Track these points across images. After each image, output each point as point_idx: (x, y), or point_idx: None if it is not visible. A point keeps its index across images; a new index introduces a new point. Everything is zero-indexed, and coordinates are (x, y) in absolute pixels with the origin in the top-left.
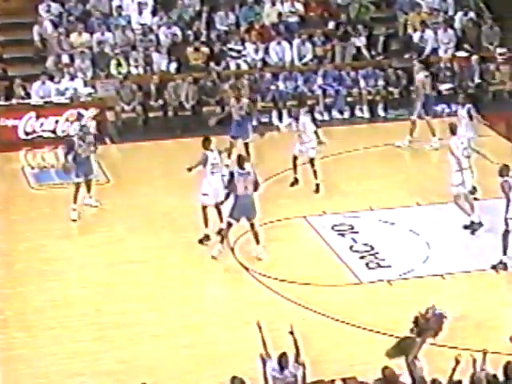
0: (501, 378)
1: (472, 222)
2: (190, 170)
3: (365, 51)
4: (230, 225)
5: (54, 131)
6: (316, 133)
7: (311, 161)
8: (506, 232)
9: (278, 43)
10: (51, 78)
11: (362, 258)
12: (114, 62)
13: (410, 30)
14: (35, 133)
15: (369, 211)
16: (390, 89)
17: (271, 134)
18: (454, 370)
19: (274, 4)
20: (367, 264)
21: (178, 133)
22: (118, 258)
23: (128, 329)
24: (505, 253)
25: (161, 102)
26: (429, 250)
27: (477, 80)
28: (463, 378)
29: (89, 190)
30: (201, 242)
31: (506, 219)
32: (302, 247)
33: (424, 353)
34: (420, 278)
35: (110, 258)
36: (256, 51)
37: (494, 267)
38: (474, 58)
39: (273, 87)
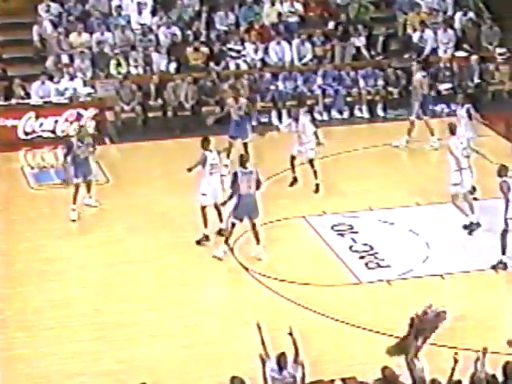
0: (500, 378)
1: (471, 223)
2: (189, 170)
3: (364, 51)
4: (233, 225)
5: (53, 131)
6: (315, 134)
7: (311, 161)
8: (505, 232)
9: (278, 43)
10: (51, 78)
11: (361, 257)
12: (113, 62)
13: (409, 30)
14: (35, 133)
15: (368, 211)
16: (390, 89)
17: (271, 134)
18: (453, 369)
19: (273, 4)
20: (367, 264)
21: (178, 133)
22: (118, 258)
23: (127, 329)
24: (504, 252)
25: (160, 101)
26: (428, 249)
27: (476, 80)
28: (463, 377)
29: (88, 190)
30: (198, 242)
31: (505, 219)
32: (302, 247)
33: (424, 353)
34: (419, 277)
35: (109, 258)
36: (255, 51)
37: (493, 267)
38: (474, 57)
39: (272, 87)
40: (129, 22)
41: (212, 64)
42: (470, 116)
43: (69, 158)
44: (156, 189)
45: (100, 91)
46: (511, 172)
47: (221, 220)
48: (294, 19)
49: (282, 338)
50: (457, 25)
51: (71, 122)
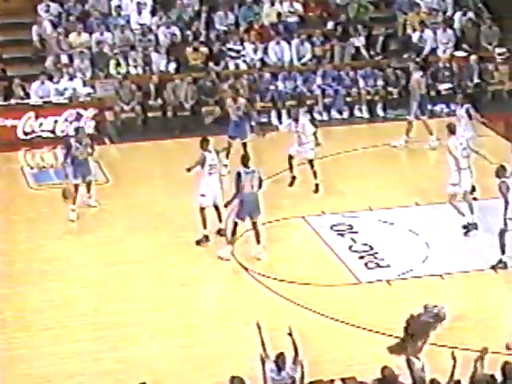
0: (499, 378)
1: (469, 223)
2: (188, 170)
3: (364, 51)
4: (236, 224)
5: (53, 131)
6: (315, 134)
7: (310, 162)
8: (502, 231)
9: (277, 43)
10: (50, 78)
11: (361, 257)
12: (113, 62)
13: (409, 30)
14: (34, 133)
15: (368, 211)
16: (389, 89)
17: (270, 135)
18: (453, 367)
19: (273, 4)
20: (366, 264)
21: (177, 133)
22: (117, 258)
23: (127, 329)
24: (503, 252)
25: (160, 101)
26: (428, 249)
27: (476, 80)
28: (462, 378)
29: (88, 190)
30: (198, 243)
31: (505, 219)
32: (301, 247)
33: (425, 353)
34: (419, 277)
35: (109, 258)
36: (255, 51)
37: (493, 267)
38: (473, 57)
39: (272, 87)
40: (128, 21)
41: (211, 64)
42: (469, 116)
43: (68, 160)
44: (156, 189)
45: (99, 91)
46: (509, 172)
47: (220, 220)
48: (293, 19)
49: (282, 338)
50: (456, 25)
51: (71, 122)
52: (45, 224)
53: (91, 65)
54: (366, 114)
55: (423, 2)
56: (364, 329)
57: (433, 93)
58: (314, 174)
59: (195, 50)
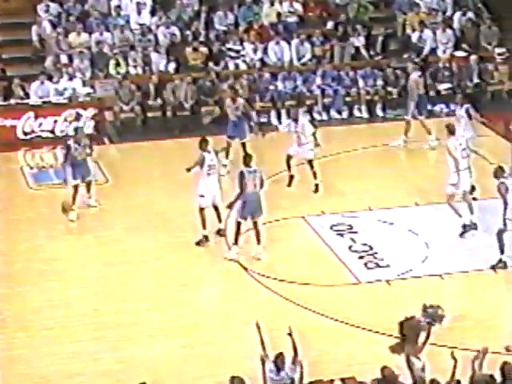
0: (498, 378)
1: (465, 224)
2: (188, 170)
3: (363, 51)
4: (239, 224)
5: (52, 131)
6: (314, 135)
7: (310, 162)
8: (500, 231)
9: (277, 43)
10: (50, 78)
11: (360, 257)
12: (112, 62)
13: (408, 30)
14: (34, 133)
15: (367, 211)
16: (389, 89)
17: (270, 135)
18: (454, 367)
19: (272, 4)
20: (366, 264)
21: (177, 133)
22: (117, 258)
23: (127, 329)
24: (502, 252)
25: (160, 101)
26: (427, 249)
27: (475, 80)
28: (462, 378)
29: (88, 190)
30: (198, 243)
31: (504, 220)
32: (301, 247)
33: (425, 353)
34: (418, 277)
35: (108, 258)
36: (255, 51)
37: (493, 267)
38: (473, 57)
39: (271, 87)
40: (128, 21)
41: (211, 64)
42: (469, 116)
43: (67, 161)
44: (155, 189)
45: (99, 91)
46: (507, 173)
47: (220, 220)
48: (293, 19)
49: (282, 338)
50: (456, 25)
51: (70, 122)
52: (44, 224)
53: (91, 65)
54: (365, 114)
55: (423, 2)
56: (364, 329)
57: (432, 93)
58: (314, 174)
59: (195, 49)
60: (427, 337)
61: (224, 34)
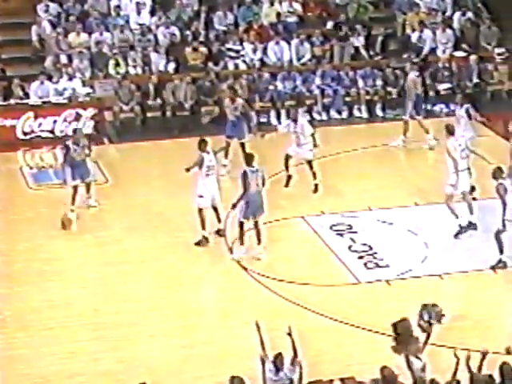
0: (497, 378)
1: (461, 225)
2: (187, 170)
3: (363, 51)
4: (242, 224)
5: (52, 131)
6: (313, 135)
7: (309, 163)
8: (499, 232)
9: (277, 43)
10: (49, 78)
11: (360, 257)
12: (112, 62)
13: (408, 30)
14: (33, 133)
15: (367, 211)
16: (389, 89)
17: (269, 135)
18: (457, 364)
19: (272, 4)
20: (365, 264)
21: (176, 133)
22: (117, 258)
23: (127, 329)
24: (501, 252)
25: (159, 100)
26: (427, 249)
27: (475, 80)
28: (461, 378)
29: (88, 190)
30: (198, 244)
31: (503, 220)
32: (301, 247)
33: (426, 353)
34: (418, 277)
35: (108, 258)
36: (254, 51)
37: (493, 267)
38: (473, 57)
39: (271, 87)
40: (127, 21)
41: (211, 64)
42: (469, 116)
43: (66, 162)
44: (155, 189)
45: (99, 91)
46: (506, 174)
47: (219, 221)
48: (292, 19)
49: (281, 338)
50: (455, 25)
51: (70, 122)
52: (44, 224)
53: (90, 65)
54: (365, 114)
55: (422, 2)
56: (363, 329)
57: (432, 93)
58: (313, 174)
59: (194, 50)
60: (428, 337)
61: (224, 34)
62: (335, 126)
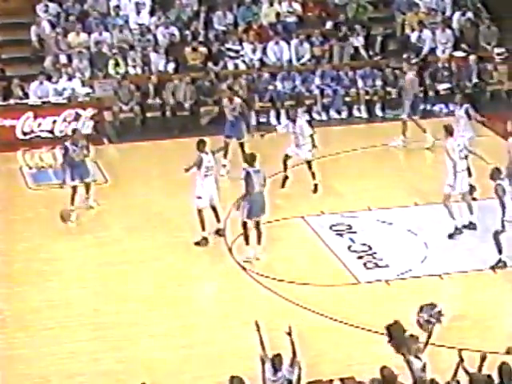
0: (496, 379)
1: (457, 226)
2: (186, 170)
3: (363, 51)
4: (245, 224)
5: (51, 131)
6: (312, 136)
7: (308, 163)
8: (497, 233)
9: (276, 43)
10: (49, 78)
11: (359, 257)
12: (111, 62)
13: (407, 30)
14: (33, 133)
15: (367, 211)
16: (388, 89)
17: (268, 135)
18: (458, 365)
19: (271, 4)
20: (365, 264)
21: (176, 133)
22: (116, 258)
23: (126, 329)
24: (500, 252)
25: (158, 100)
26: (427, 249)
27: (474, 80)
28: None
29: (87, 191)
30: (197, 244)
31: (502, 221)
32: (300, 247)
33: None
34: (418, 277)
35: (107, 258)
36: (254, 51)
37: (492, 267)
38: (472, 57)
39: (271, 87)
40: (127, 21)
41: (210, 64)
42: (469, 116)
43: (65, 162)
44: (154, 189)
45: (98, 91)
46: (504, 174)
47: (218, 221)
48: (292, 19)
49: (281, 338)
50: (455, 25)
51: (69, 122)
52: (43, 224)
53: (90, 65)
54: (364, 114)
55: (422, 2)
56: (363, 329)
57: (431, 93)
58: (313, 174)
59: (194, 49)
60: (429, 337)
61: (223, 34)
62: (335, 126)
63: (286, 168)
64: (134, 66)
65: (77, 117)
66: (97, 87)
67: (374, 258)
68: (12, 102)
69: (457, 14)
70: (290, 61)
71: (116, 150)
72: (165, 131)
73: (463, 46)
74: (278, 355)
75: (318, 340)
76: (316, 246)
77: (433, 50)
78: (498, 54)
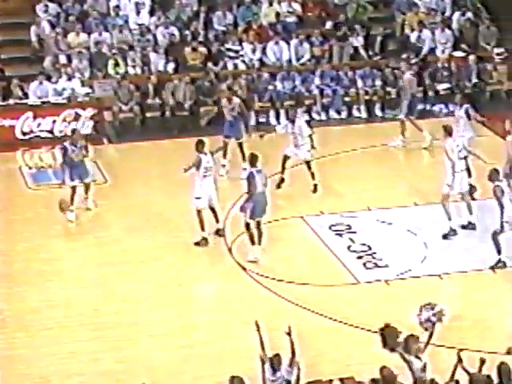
0: (495, 379)
1: (452, 227)
2: (185, 170)
3: (362, 51)
4: (248, 225)
5: (51, 131)
6: (310, 137)
7: (307, 163)
8: (496, 233)
9: (276, 43)
10: (49, 78)
11: (359, 257)
12: (111, 62)
13: (407, 30)
14: (32, 133)
15: (366, 211)
16: (388, 89)
17: (268, 135)
18: (456, 366)
19: (271, 4)
20: (365, 264)
21: (176, 133)
22: (116, 258)
23: (126, 329)
24: (499, 252)
25: (158, 100)
26: (426, 249)
27: (474, 80)
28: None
29: (86, 191)
30: (197, 244)
31: (501, 222)
32: (300, 247)
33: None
34: (417, 277)
35: (107, 258)
36: (254, 51)
37: (492, 268)
38: (472, 57)
39: (270, 87)
40: (127, 22)
41: (210, 64)
42: (468, 116)
43: (65, 163)
44: (154, 189)
45: (98, 91)
46: (502, 175)
47: (217, 221)
48: (292, 19)
49: (280, 339)
50: (455, 25)
51: (69, 122)
52: (43, 224)
53: (90, 65)
54: (364, 114)
55: (422, 2)
56: (362, 329)
57: (431, 93)
58: (312, 174)
59: (194, 50)
60: (430, 336)
61: (223, 34)
62: (334, 126)
63: (283, 169)
64: (134, 66)
65: (76, 117)
66: (96, 87)
67: (374, 257)
68: (11, 102)
69: (456, 14)
70: (290, 61)
71: (115, 150)
72: (164, 131)
73: (463, 46)
74: (277, 355)
75: (318, 340)
76: (315, 246)
77: (432, 50)
78: (498, 54)
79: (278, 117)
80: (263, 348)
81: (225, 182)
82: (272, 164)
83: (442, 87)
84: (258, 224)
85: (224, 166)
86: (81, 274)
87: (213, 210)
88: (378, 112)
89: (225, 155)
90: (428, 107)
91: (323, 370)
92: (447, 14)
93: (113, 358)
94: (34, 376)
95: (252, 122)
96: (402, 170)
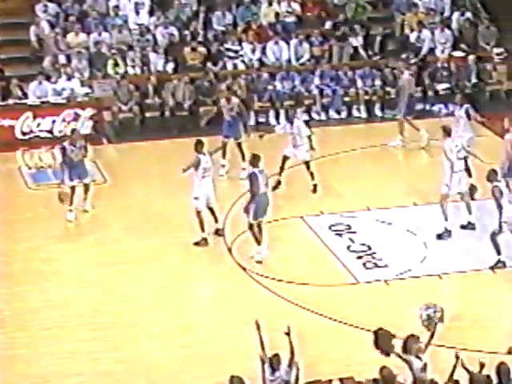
0: (495, 379)
1: (447, 228)
2: (184, 170)
3: (362, 51)
4: (252, 226)
5: (50, 131)
6: (309, 137)
7: (306, 163)
8: (494, 234)
9: (276, 43)
10: (48, 78)
11: (359, 257)
12: (111, 62)
13: (406, 30)
14: (32, 133)
15: (366, 211)
16: (387, 89)
17: (268, 135)
18: (454, 366)
19: (271, 4)
20: (364, 264)
21: (175, 133)
22: (115, 258)
23: (125, 329)
24: (499, 252)
25: (158, 100)
26: (426, 249)
27: (474, 80)
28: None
29: (86, 191)
30: (197, 244)
31: (500, 222)
32: (300, 247)
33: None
34: (417, 277)
35: (107, 258)
36: (253, 51)
37: (492, 268)
38: (471, 57)
39: (270, 87)
40: (126, 21)
41: (209, 64)
42: (468, 116)
43: (64, 163)
44: (153, 189)
45: (97, 91)
46: (500, 176)
47: (216, 221)
48: (291, 19)
49: (280, 338)
50: (454, 25)
51: (69, 122)
52: (43, 224)
53: (89, 65)
54: (363, 114)
55: (421, 2)
56: (362, 329)
57: (431, 93)
58: (311, 174)
59: (193, 50)
60: (431, 337)
61: (222, 34)
62: (334, 126)
63: (282, 170)
64: (133, 66)
65: (76, 117)
66: (96, 87)
67: (374, 257)
68: (11, 102)
69: (456, 14)
70: (289, 61)
71: (115, 150)
72: (164, 131)
73: (462, 46)
74: (276, 355)
75: (317, 340)
76: (315, 246)
77: (432, 50)
78: (497, 54)
79: (277, 117)
80: (263, 348)
81: (224, 181)
82: (272, 164)
83: (441, 87)
84: (259, 225)
85: (224, 165)
86: (80, 274)
87: (211, 210)
88: (378, 112)
89: (224, 155)
90: (428, 107)
91: (323, 370)
92: (446, 14)
93: (112, 358)
94: (34, 376)
95: (252, 122)
96: (402, 170)
